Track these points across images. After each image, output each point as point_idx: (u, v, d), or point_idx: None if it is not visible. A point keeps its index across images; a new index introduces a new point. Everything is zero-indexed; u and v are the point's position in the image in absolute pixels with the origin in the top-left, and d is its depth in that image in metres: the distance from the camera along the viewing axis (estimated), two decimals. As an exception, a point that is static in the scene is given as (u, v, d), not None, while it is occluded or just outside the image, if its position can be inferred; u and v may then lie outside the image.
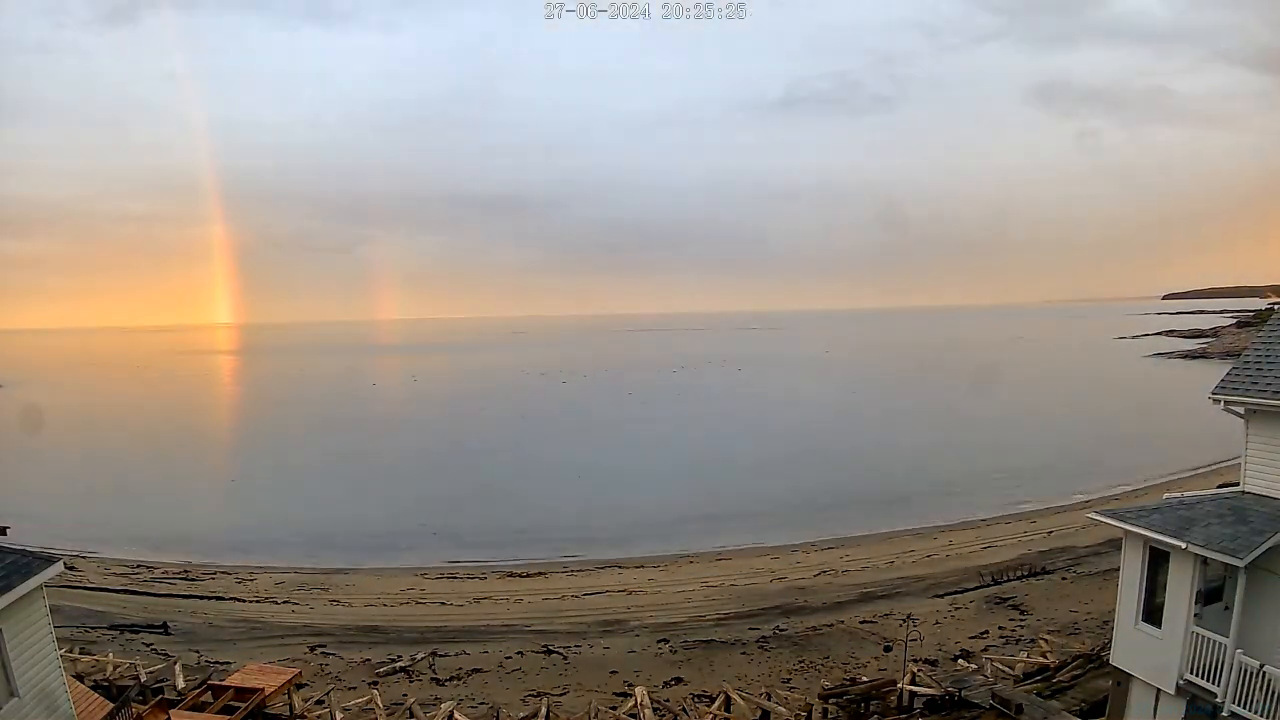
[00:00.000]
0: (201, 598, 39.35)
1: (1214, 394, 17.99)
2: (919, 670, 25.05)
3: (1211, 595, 16.45)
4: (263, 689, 22.05)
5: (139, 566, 45.26)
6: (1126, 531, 17.49)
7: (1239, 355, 19.15)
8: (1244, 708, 15.19)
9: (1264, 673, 14.94)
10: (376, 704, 23.82)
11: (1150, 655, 17.17)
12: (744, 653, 30.30)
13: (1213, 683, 15.68)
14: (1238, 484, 17.96)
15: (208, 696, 22.23)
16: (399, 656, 30.23)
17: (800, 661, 29.24)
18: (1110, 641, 19.22)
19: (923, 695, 23.42)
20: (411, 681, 28.15)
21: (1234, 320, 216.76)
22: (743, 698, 24.32)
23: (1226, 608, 15.87)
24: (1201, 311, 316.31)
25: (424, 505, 61.53)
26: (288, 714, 22.84)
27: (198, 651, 30.22)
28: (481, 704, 25.64)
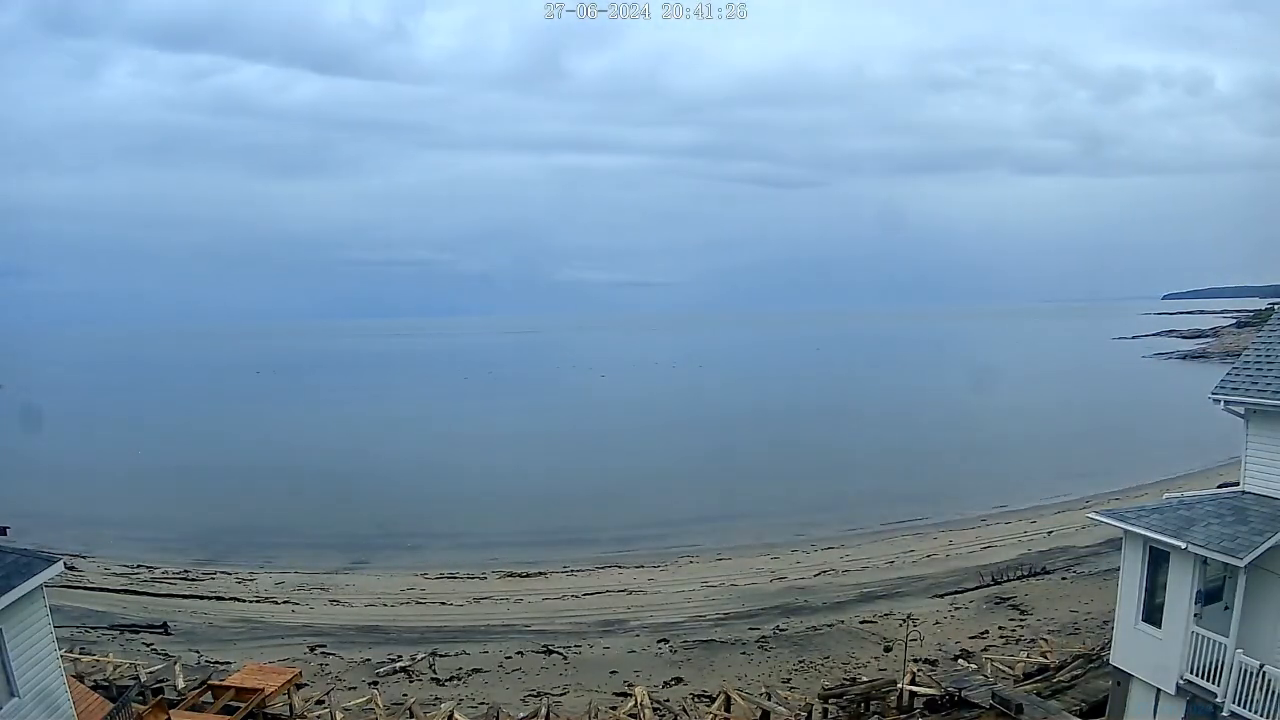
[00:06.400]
0: (201, 598, 39.34)
1: (1214, 394, 17.99)
2: (919, 670, 25.04)
3: (1211, 595, 16.44)
4: (263, 689, 22.06)
5: (139, 566, 45.23)
6: (1126, 531, 17.50)
7: (1239, 355, 19.16)
8: (1244, 708, 15.19)
9: (1264, 673, 14.95)
10: (376, 704, 23.81)
11: (1150, 655, 17.18)
12: (744, 653, 30.31)
13: (1213, 683, 15.68)
14: (1238, 484, 17.96)
15: (208, 696, 22.25)
16: (399, 656, 30.24)
17: (800, 661, 29.25)
18: (1110, 641, 19.24)
19: (923, 695, 23.42)
20: (411, 681, 28.16)
21: (1234, 320, 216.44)
22: (743, 698, 24.30)
23: (1226, 608, 15.87)
24: (1201, 311, 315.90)
25: (423, 504, 61.59)
26: (288, 714, 22.83)
27: (198, 651, 30.19)
28: (481, 704, 25.62)
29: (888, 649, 29.54)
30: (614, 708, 24.78)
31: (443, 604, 38.51)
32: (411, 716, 23.57)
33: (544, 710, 24.30)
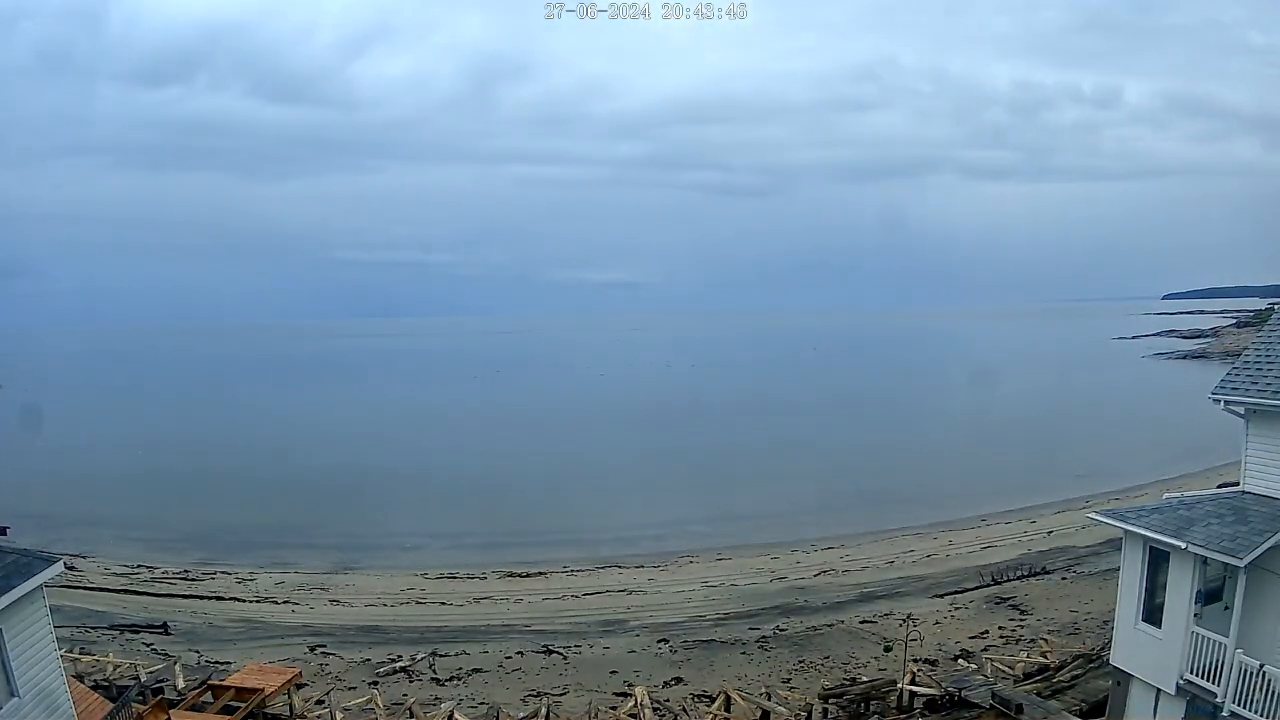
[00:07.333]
0: (201, 598, 39.31)
1: (1214, 394, 18.01)
2: (919, 670, 25.06)
3: (1211, 595, 16.46)
4: (263, 689, 22.07)
5: (139, 566, 45.22)
6: (1126, 531, 17.51)
7: (1239, 355, 19.16)
8: (1244, 708, 15.20)
9: (1264, 673, 14.95)
10: (376, 704, 23.81)
11: (1150, 655, 17.19)
12: (744, 653, 30.31)
13: (1213, 683, 15.69)
14: (1238, 484, 17.97)
15: (208, 696, 22.26)
16: (399, 656, 30.23)
17: (800, 661, 29.25)
18: (1110, 641, 19.24)
19: (923, 695, 23.43)
20: (411, 681, 28.16)
21: (1234, 320, 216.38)
22: (743, 698, 24.30)
23: (1226, 608, 15.88)
24: (1201, 311, 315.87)
25: (423, 504, 61.59)
26: (288, 714, 22.84)
27: (198, 651, 30.20)
28: (481, 704, 25.64)
29: (888, 649, 29.53)
30: (614, 708, 24.79)
31: (443, 604, 38.49)
32: (411, 716, 23.57)
33: (544, 710, 24.30)
